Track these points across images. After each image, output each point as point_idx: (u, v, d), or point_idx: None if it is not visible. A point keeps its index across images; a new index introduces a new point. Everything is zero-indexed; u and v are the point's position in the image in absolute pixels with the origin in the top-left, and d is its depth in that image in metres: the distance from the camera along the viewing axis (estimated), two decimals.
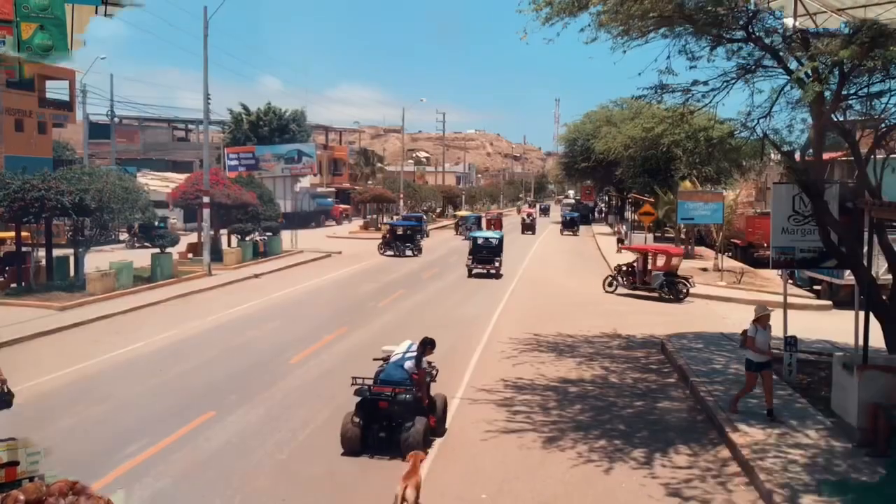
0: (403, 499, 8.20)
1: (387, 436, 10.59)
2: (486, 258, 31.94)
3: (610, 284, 27.73)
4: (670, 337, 18.77)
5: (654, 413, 13.13)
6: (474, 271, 31.95)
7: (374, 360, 11.70)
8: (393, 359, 11.16)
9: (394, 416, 10.58)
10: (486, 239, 33.09)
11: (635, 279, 27.16)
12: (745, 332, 12.51)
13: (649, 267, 26.97)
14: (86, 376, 14.90)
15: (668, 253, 27.76)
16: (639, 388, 14.78)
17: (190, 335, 19.12)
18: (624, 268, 27.90)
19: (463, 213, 72.50)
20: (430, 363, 11.40)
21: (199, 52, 30.54)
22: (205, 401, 13.10)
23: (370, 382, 10.80)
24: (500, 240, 33.14)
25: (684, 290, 26.23)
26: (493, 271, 31.74)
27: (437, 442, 11.21)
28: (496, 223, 56.72)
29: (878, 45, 11.51)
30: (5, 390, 9.79)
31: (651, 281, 26.48)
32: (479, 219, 55.36)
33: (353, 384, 10.78)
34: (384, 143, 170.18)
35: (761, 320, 12.16)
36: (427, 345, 11.11)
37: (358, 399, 10.69)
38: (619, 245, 43.27)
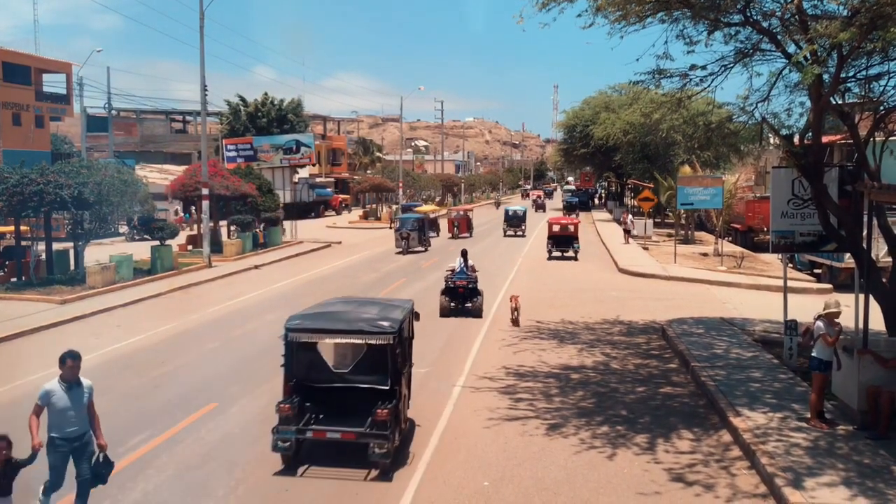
0: (516, 306, 18.86)
1: (462, 307, 19.83)
2: (515, 224, 46.60)
3: (548, 251, 34.75)
4: (671, 322, 18.79)
5: (656, 398, 13.15)
6: (507, 233, 46.24)
7: (446, 271, 20.58)
8: (458, 269, 20.16)
9: (466, 296, 19.92)
10: (515, 211, 47.65)
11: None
12: (807, 330, 11.56)
13: (548, 234, 35.51)
14: (87, 369, 14.79)
15: (556, 222, 35.81)
16: (640, 373, 14.80)
17: (191, 327, 19.15)
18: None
19: (426, 207, 54.42)
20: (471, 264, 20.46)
21: (195, 43, 31.21)
22: (207, 392, 13.13)
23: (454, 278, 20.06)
24: (525, 212, 48.17)
25: (572, 251, 34.48)
26: (520, 233, 46.15)
27: (439, 430, 11.30)
28: (462, 222, 46.24)
29: (877, 27, 11.44)
30: (101, 459, 8.46)
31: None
32: (420, 220, 38.69)
33: (444, 279, 20.27)
34: (382, 133, 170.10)
35: (830, 317, 11.16)
36: (466, 253, 20.80)
37: (444, 287, 20.13)
38: (627, 236, 41.01)
